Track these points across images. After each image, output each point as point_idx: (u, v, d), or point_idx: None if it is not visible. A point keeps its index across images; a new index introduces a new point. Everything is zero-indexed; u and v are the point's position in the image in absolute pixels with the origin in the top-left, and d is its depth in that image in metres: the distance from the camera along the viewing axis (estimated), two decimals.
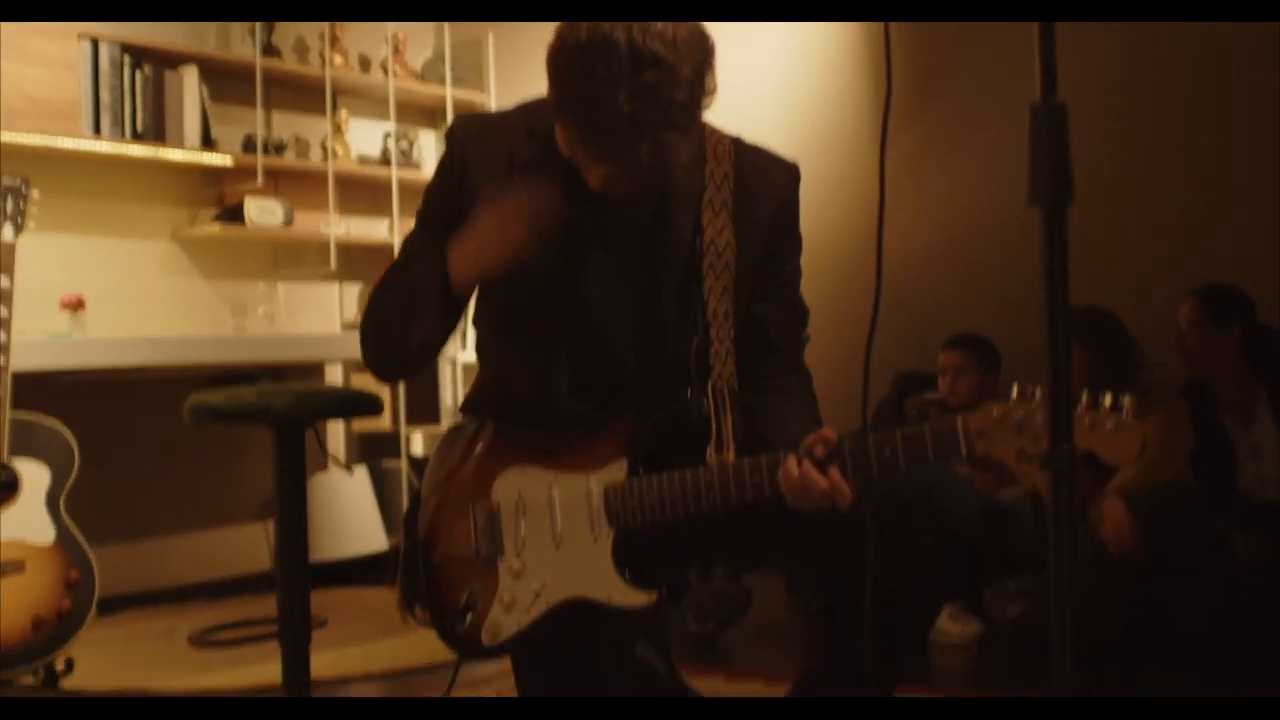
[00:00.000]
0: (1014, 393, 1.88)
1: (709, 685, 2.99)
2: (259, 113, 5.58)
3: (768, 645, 4.31)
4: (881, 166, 1.67)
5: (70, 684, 3.79)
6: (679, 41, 1.96)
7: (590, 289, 2.27)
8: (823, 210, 5.09)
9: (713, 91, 2.05)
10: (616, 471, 2.23)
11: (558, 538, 2.26)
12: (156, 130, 5.17)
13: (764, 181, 2.30)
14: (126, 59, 5.07)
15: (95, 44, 4.97)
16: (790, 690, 2.36)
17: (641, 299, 2.27)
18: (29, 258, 3.99)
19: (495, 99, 6.39)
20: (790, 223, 2.34)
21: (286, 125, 5.94)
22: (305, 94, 5.93)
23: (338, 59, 5.94)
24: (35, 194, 3.80)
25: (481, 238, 2.15)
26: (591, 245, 2.26)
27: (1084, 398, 1.75)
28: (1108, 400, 1.73)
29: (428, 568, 2.42)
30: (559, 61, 2.00)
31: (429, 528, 2.44)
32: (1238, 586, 3.69)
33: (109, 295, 5.14)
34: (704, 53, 2.02)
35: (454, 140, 2.32)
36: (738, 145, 2.32)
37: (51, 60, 4.83)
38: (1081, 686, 1.30)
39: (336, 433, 5.82)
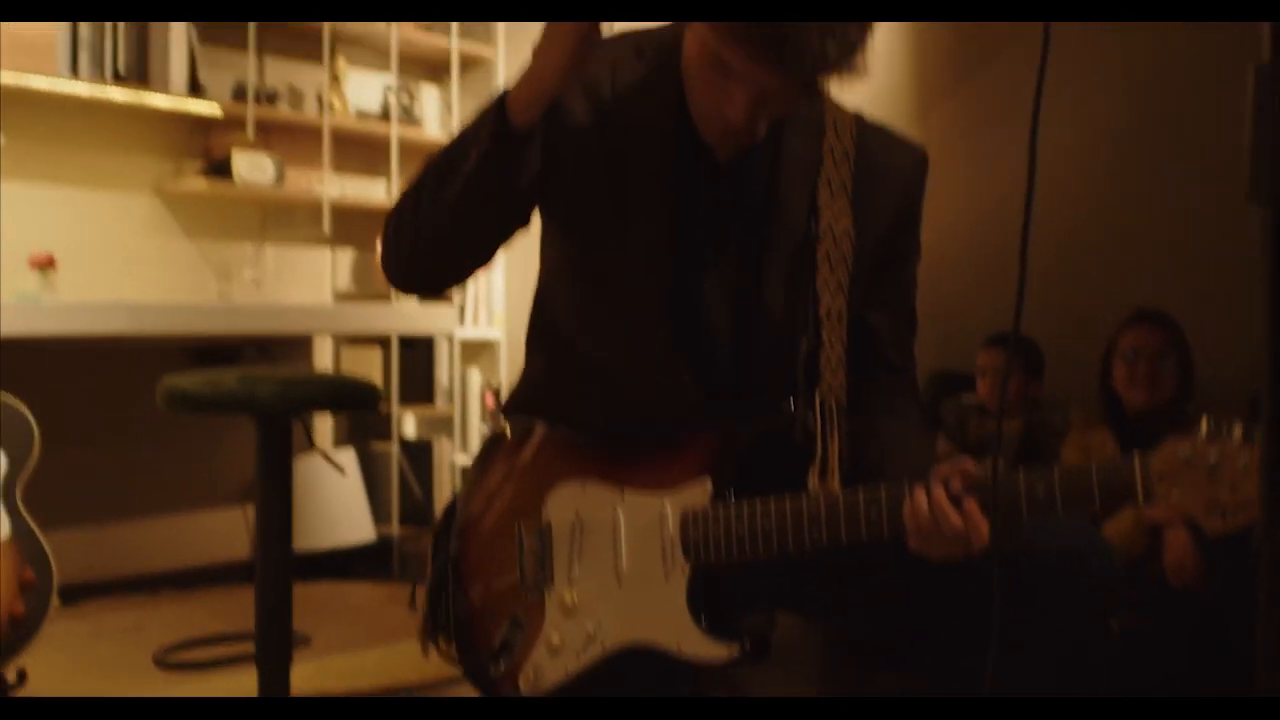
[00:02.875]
0: (1204, 428, 1.52)
1: None
2: (251, 58, 5.14)
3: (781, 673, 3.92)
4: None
5: (24, 696, 3.37)
6: None
7: (688, 268, 1.85)
8: None
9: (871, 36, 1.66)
10: (698, 494, 1.83)
11: (621, 570, 1.87)
12: (140, 72, 4.72)
13: (889, 165, 1.91)
14: None
15: None
16: None
17: (744, 286, 1.87)
18: None
19: (504, 54, 5.96)
20: (914, 216, 1.95)
21: (280, 73, 5.49)
22: (302, 40, 5.48)
23: None
24: (2, 140, 3.37)
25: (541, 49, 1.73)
26: (693, 216, 1.85)
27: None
28: None
29: (459, 594, 2.02)
30: None
31: (464, 546, 2.04)
32: None
33: (83, 253, 4.70)
34: None
35: None
36: (859, 120, 1.93)
37: None
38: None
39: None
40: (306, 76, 5.54)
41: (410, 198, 1.85)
